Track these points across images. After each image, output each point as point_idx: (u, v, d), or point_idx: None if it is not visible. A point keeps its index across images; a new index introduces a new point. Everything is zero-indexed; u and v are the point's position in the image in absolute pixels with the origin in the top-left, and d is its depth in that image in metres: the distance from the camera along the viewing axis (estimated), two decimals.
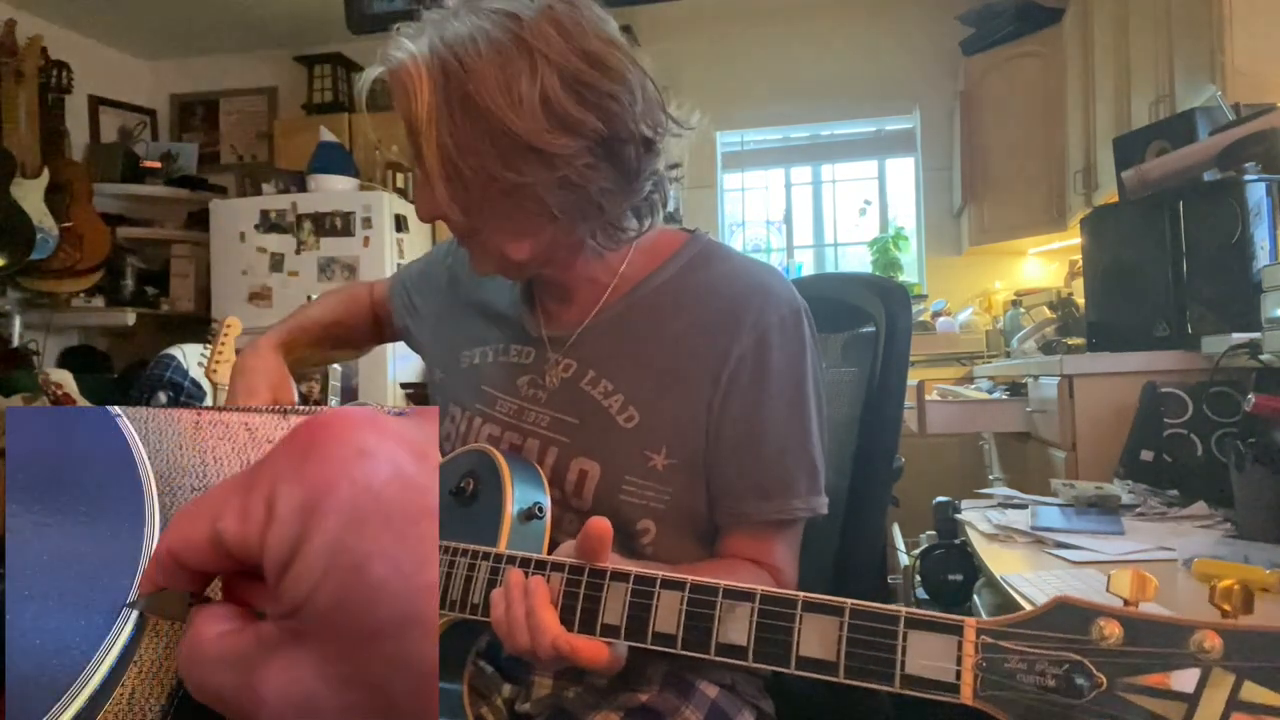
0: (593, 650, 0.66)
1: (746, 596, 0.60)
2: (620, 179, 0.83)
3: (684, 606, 0.62)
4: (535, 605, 0.67)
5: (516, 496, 0.80)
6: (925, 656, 0.52)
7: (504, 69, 0.76)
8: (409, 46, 0.80)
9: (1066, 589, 1.11)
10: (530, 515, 0.80)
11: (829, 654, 0.55)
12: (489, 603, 0.72)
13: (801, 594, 0.58)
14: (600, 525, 0.67)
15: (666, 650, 0.62)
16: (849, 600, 0.56)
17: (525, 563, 0.72)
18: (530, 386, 0.94)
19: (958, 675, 0.51)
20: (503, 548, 0.77)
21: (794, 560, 0.91)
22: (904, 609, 0.53)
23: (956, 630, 0.52)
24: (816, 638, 0.56)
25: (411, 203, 4.02)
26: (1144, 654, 0.47)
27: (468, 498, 0.82)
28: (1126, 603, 0.49)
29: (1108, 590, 0.50)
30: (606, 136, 0.80)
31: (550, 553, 0.74)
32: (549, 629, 0.66)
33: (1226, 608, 0.47)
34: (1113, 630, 0.47)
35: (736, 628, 0.60)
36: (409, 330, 1.16)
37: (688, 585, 0.63)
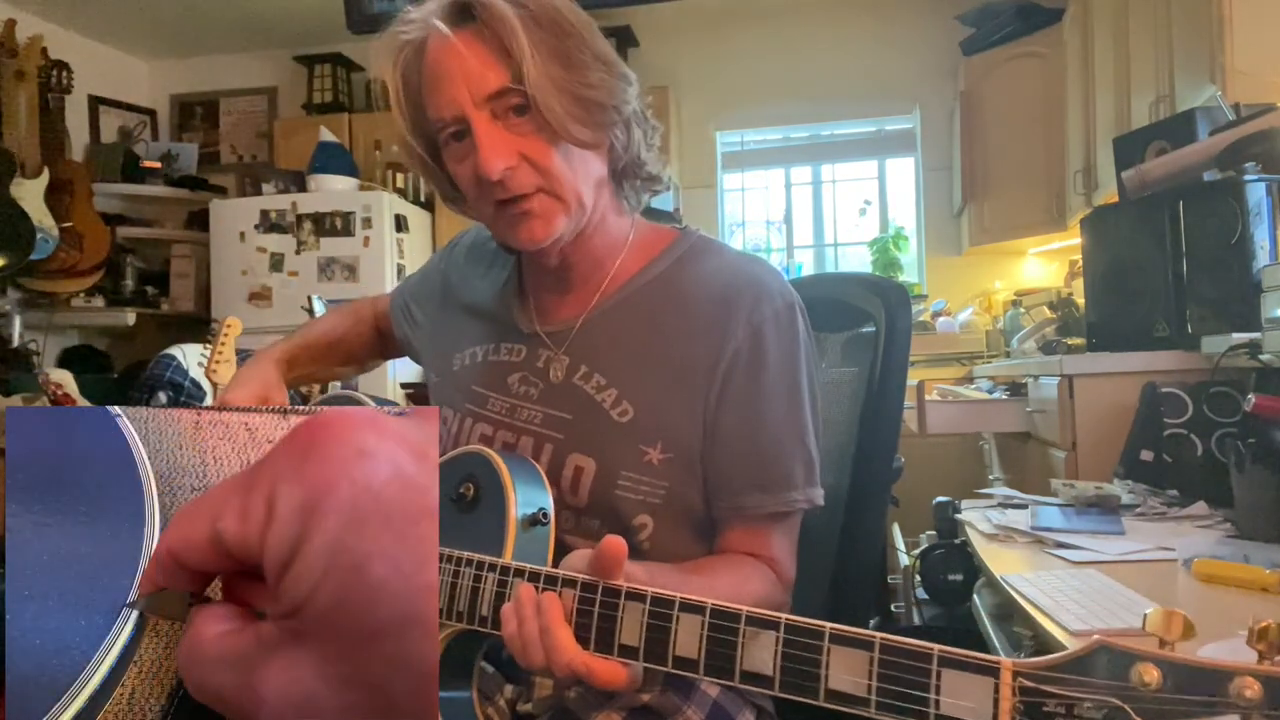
0: (610, 671, 0.65)
1: (770, 625, 0.59)
2: (646, 136, 0.91)
3: (705, 631, 0.61)
4: (550, 623, 0.66)
5: (519, 501, 0.78)
6: (960, 696, 0.51)
7: (577, 12, 0.85)
8: None
9: (1067, 588, 1.11)
10: (534, 521, 0.78)
11: (859, 689, 0.54)
12: (498, 615, 0.71)
13: (828, 625, 0.57)
14: (615, 545, 0.66)
15: (687, 674, 0.62)
16: (878, 634, 0.55)
17: (535, 576, 0.70)
18: (522, 384, 0.93)
19: (995, 718, 0.50)
20: (509, 557, 0.75)
21: (792, 552, 0.91)
22: (936, 646, 0.52)
23: (993, 671, 0.50)
24: (846, 671, 0.55)
25: (412, 203, 4.05)
26: (1184, 700, 0.46)
27: (468, 503, 0.80)
28: (1163, 642, 0.48)
29: (1144, 629, 0.49)
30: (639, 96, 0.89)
31: (554, 555, 0.73)
32: (565, 648, 0.65)
33: (1262, 649, 0.46)
34: (1153, 676, 0.47)
35: (761, 656, 0.59)
36: (409, 341, 1.15)
37: (708, 609, 0.61)
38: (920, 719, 0.52)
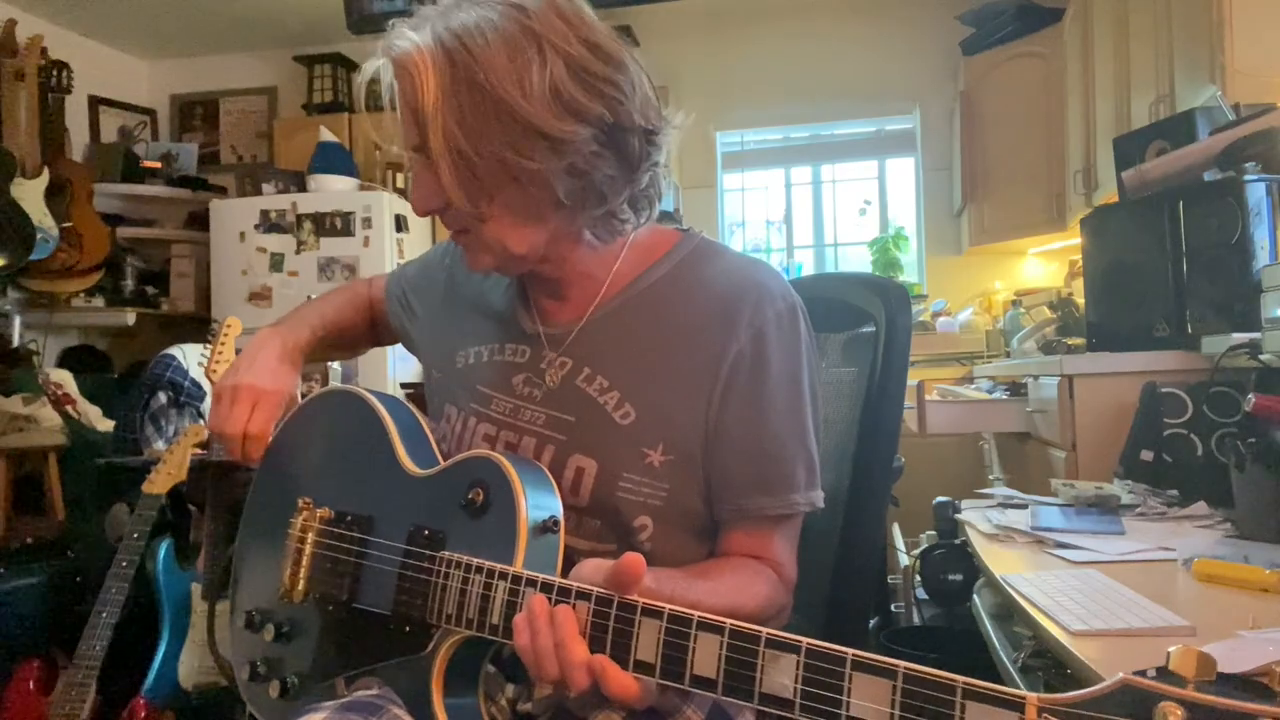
0: (623, 682, 0.65)
1: (792, 648, 0.59)
2: (623, 168, 0.85)
3: (723, 651, 0.61)
4: (565, 638, 0.67)
5: (530, 507, 0.77)
6: None
7: (513, 58, 0.78)
8: (412, 36, 0.81)
9: (1067, 588, 1.11)
10: (545, 528, 0.78)
11: (882, 718, 0.55)
12: (509, 624, 0.71)
13: (850, 651, 0.57)
14: (635, 563, 0.66)
15: (705, 694, 0.62)
16: (900, 663, 0.55)
17: (549, 587, 0.70)
18: (525, 385, 0.93)
19: None
20: (519, 565, 0.74)
21: (793, 554, 0.92)
22: (960, 679, 0.53)
23: (1018, 707, 0.51)
24: (868, 699, 0.55)
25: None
26: None
27: (477, 509, 0.79)
28: (1187, 682, 0.48)
29: (1169, 667, 0.49)
30: (611, 125, 0.82)
31: (566, 564, 0.73)
32: (580, 662, 0.66)
33: None
34: (1177, 716, 0.47)
35: (781, 681, 0.59)
36: (405, 332, 1.14)
37: (727, 630, 0.61)
38: None
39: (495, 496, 0.79)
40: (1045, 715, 0.50)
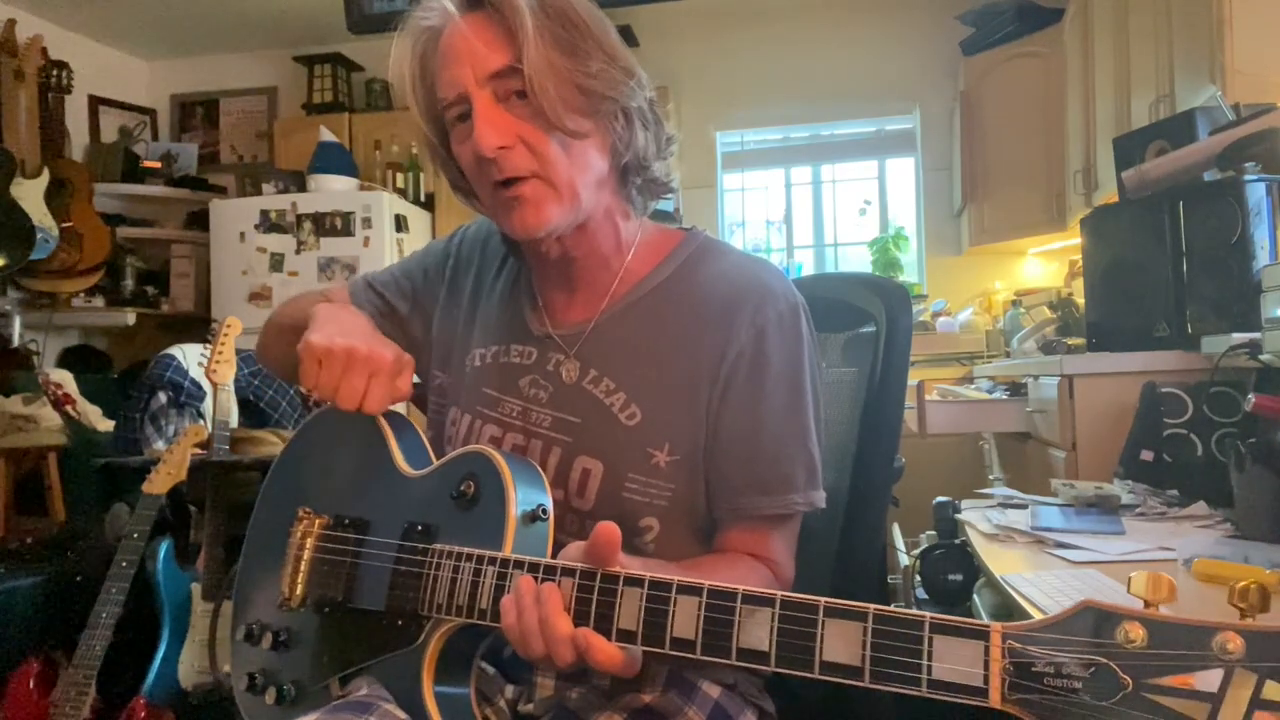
0: (608, 651, 0.66)
1: (766, 601, 0.60)
2: (655, 139, 0.90)
3: (702, 612, 0.62)
4: (549, 613, 0.67)
5: (519, 498, 0.78)
6: (952, 661, 0.53)
7: (590, 10, 0.85)
8: None
9: (1067, 589, 1.11)
10: (534, 517, 0.79)
11: (854, 659, 0.56)
12: (497, 608, 0.71)
13: (822, 599, 0.58)
14: (609, 530, 0.67)
15: (684, 655, 0.62)
16: (871, 605, 0.56)
17: (534, 568, 0.71)
18: (532, 387, 0.93)
19: (985, 679, 0.52)
20: (508, 552, 0.76)
21: (792, 554, 0.92)
22: (928, 614, 0.54)
23: (983, 635, 0.52)
24: (841, 643, 0.57)
25: (412, 202, 4.05)
26: (1168, 656, 0.48)
27: (468, 501, 0.81)
28: (1147, 604, 0.50)
29: (1129, 592, 0.51)
30: (652, 97, 0.89)
31: (555, 554, 0.73)
32: (564, 636, 0.66)
33: (1244, 607, 0.48)
34: (1137, 633, 0.48)
35: (758, 633, 0.60)
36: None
37: (705, 590, 0.63)
38: (913, 684, 0.54)
39: (485, 488, 0.80)
40: (1010, 641, 0.52)
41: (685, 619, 0.63)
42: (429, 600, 0.78)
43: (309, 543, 0.90)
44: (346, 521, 0.89)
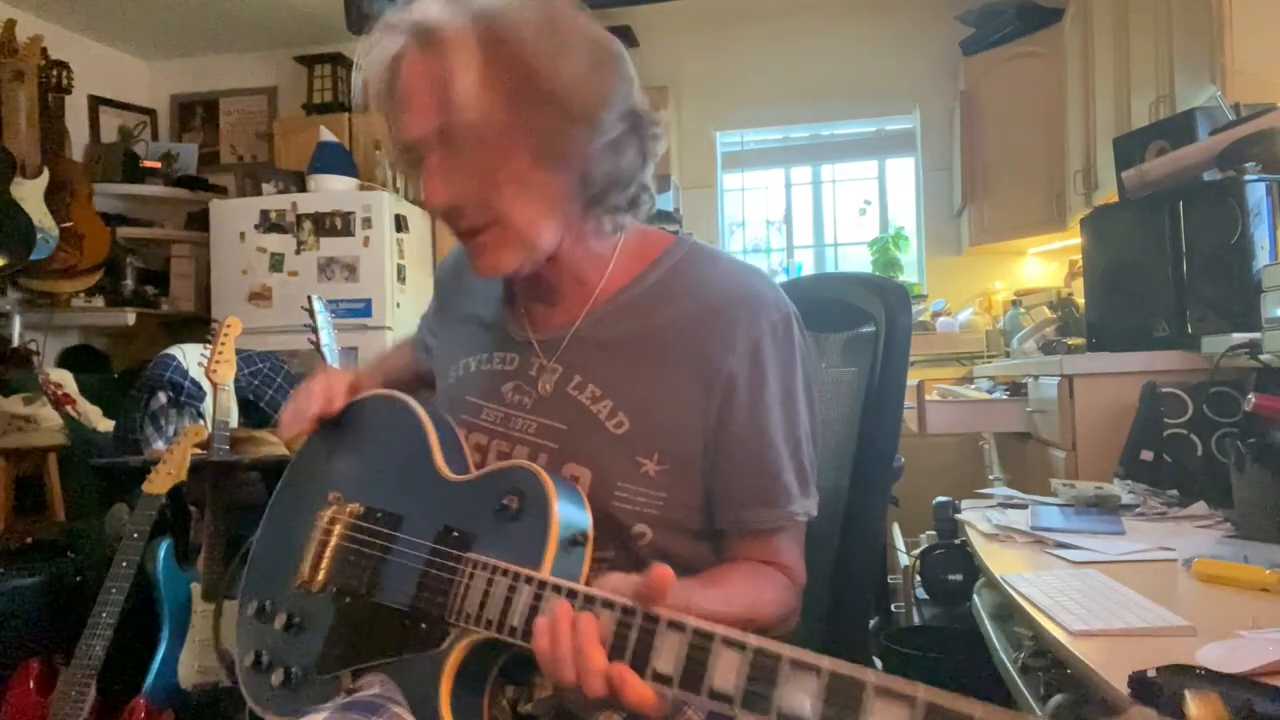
0: (640, 691, 0.65)
1: (813, 669, 0.58)
2: (639, 156, 0.86)
3: (745, 669, 0.61)
4: (584, 643, 0.67)
5: (562, 521, 0.77)
6: None
7: (551, 36, 0.79)
8: (441, 9, 0.79)
9: (1067, 589, 1.10)
10: (574, 541, 0.78)
11: None
12: (529, 628, 0.71)
13: (871, 673, 0.56)
14: (663, 574, 0.66)
15: (721, 707, 0.61)
16: (920, 687, 0.54)
17: (574, 595, 0.70)
18: (515, 393, 0.93)
19: None
20: (546, 573, 0.75)
21: (800, 556, 0.93)
22: (979, 705, 0.52)
23: None
24: None
25: (412, 202, 4.04)
26: None
27: (510, 515, 0.80)
28: None
29: (1187, 714, 0.49)
30: (631, 108, 0.83)
31: (592, 580, 0.73)
32: (598, 668, 0.66)
33: None
34: None
35: (799, 701, 0.58)
36: (427, 366, 1.12)
37: (750, 648, 0.61)
38: None
39: (529, 505, 0.79)
40: None
41: (726, 672, 0.61)
42: (457, 609, 0.78)
43: (337, 529, 0.90)
44: (379, 514, 0.89)
